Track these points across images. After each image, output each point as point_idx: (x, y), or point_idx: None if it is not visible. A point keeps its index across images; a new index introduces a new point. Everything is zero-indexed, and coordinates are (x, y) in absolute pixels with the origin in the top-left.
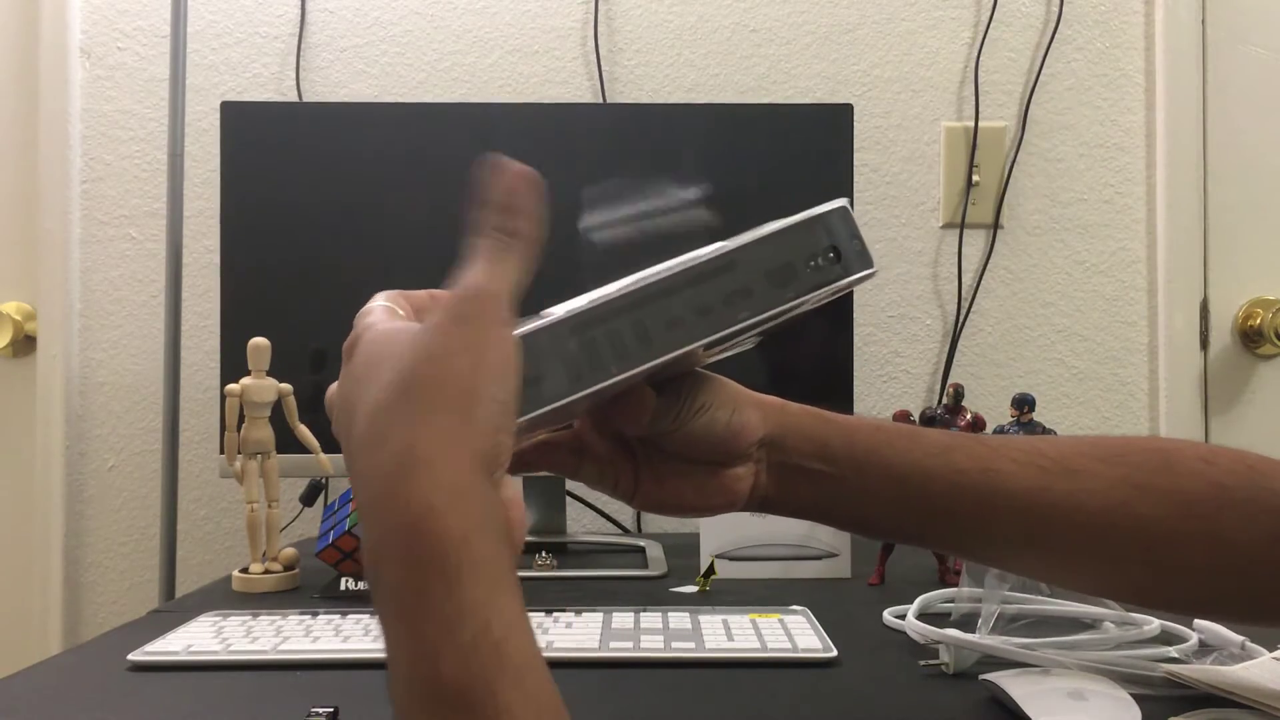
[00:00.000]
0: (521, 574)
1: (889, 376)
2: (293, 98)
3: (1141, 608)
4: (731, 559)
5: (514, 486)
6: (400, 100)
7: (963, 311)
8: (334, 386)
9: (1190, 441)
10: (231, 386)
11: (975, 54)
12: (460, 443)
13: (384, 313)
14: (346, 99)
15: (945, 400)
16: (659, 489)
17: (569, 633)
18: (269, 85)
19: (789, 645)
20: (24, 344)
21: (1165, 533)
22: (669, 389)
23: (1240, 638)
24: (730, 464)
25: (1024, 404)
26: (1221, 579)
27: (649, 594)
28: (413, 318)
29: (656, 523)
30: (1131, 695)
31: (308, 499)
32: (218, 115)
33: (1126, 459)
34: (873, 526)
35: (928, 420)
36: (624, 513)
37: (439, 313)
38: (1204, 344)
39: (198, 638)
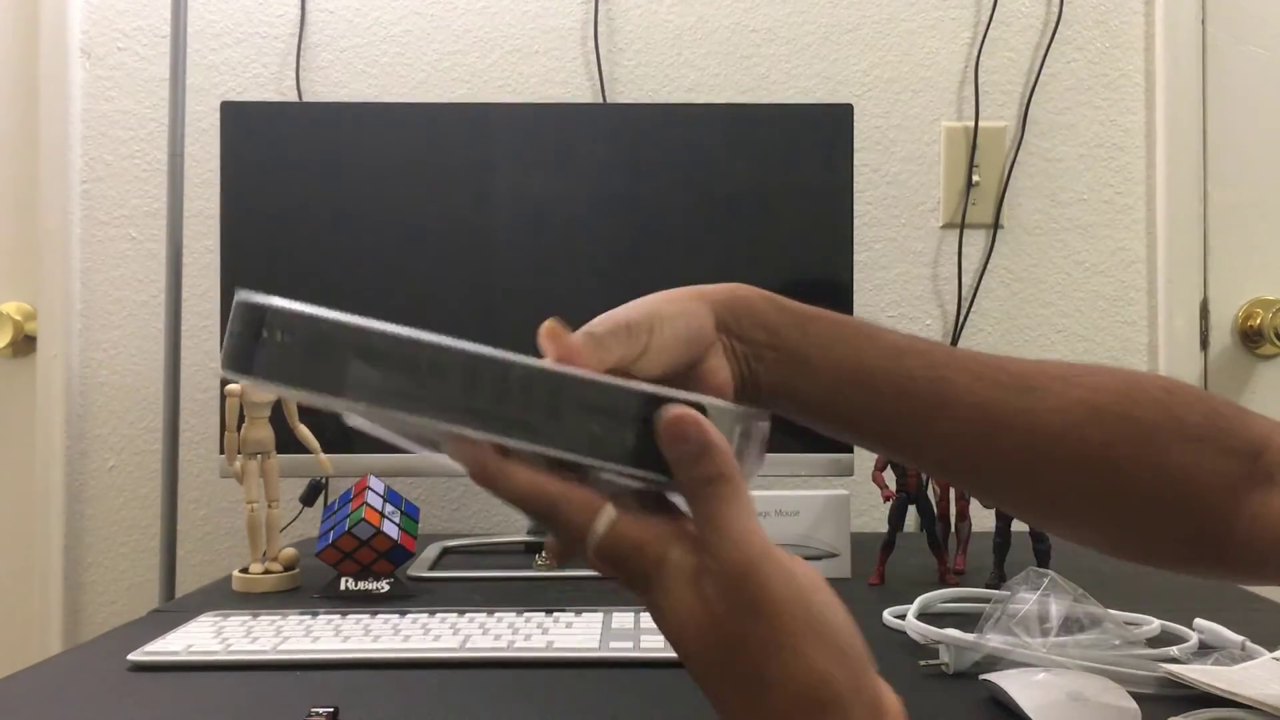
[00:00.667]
0: (522, 574)
1: None
2: (293, 98)
3: (1080, 543)
4: None
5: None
6: (400, 100)
7: (963, 311)
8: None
9: (1157, 375)
10: (231, 386)
11: (975, 54)
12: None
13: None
14: (346, 99)
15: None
16: None
17: (569, 633)
18: (269, 85)
19: None
20: (24, 344)
21: (1114, 458)
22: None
23: (1240, 638)
24: (700, 361)
25: None
26: (1165, 515)
27: None
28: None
29: None
30: (1131, 695)
31: (308, 499)
32: (218, 115)
33: (1086, 381)
34: (836, 422)
35: None
36: None
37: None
38: (1204, 344)
39: (198, 638)
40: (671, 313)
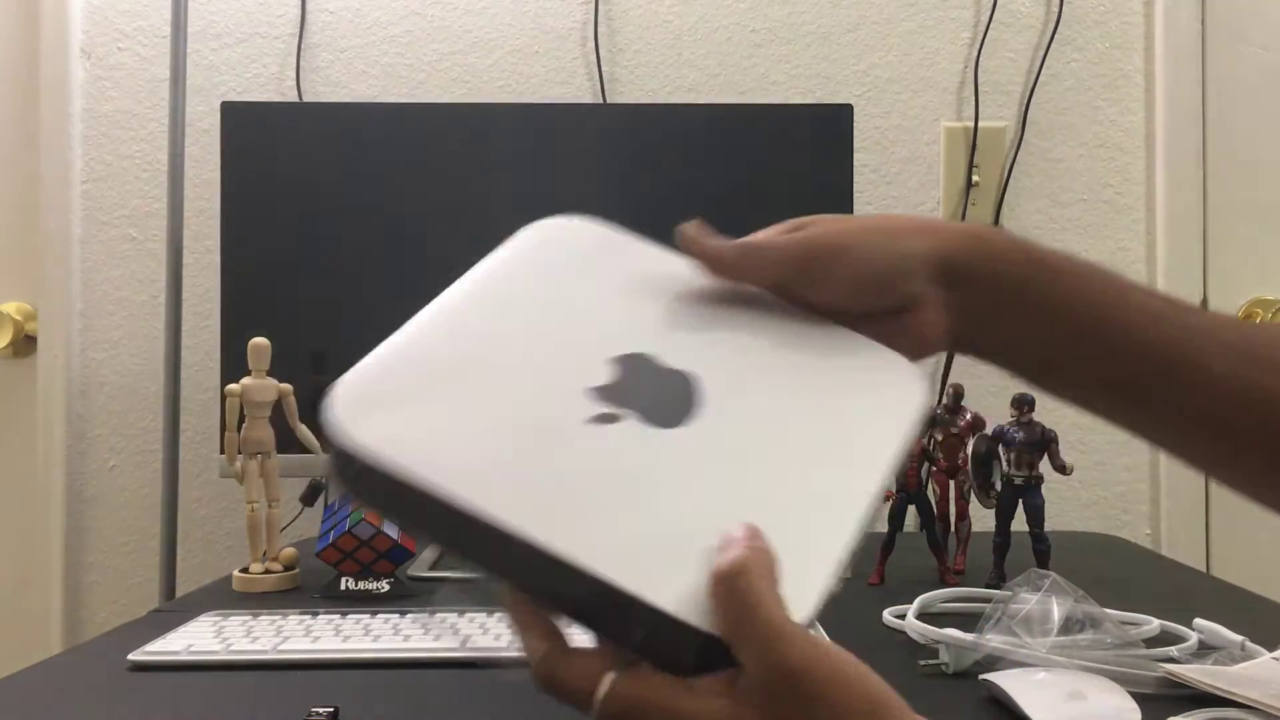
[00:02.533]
0: None
1: None
2: (293, 98)
3: None
4: None
5: None
6: (400, 100)
7: None
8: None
9: None
10: (232, 386)
11: (975, 54)
12: None
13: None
14: (347, 99)
15: (945, 400)
16: None
17: (569, 632)
18: (269, 85)
19: None
20: (24, 344)
21: None
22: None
23: (1240, 638)
24: (903, 309)
25: (1024, 404)
26: None
27: None
28: None
29: None
30: (1131, 695)
31: (308, 499)
32: (218, 115)
33: None
34: (1065, 386)
35: (929, 420)
36: None
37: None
38: None
39: (198, 637)
40: (865, 248)
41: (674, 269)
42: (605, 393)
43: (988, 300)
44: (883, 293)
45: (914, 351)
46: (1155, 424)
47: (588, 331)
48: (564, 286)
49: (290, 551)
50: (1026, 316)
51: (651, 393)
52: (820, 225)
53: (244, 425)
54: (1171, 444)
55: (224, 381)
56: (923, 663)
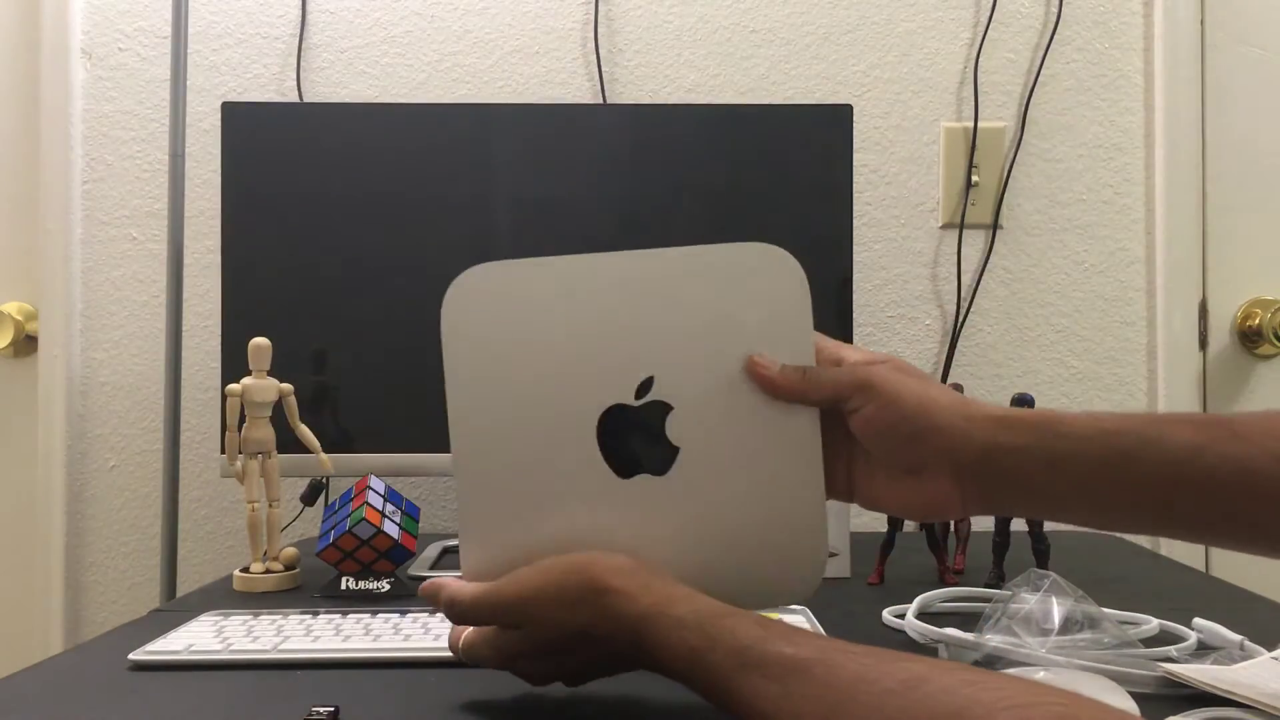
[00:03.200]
0: None
1: None
2: (293, 98)
3: None
4: None
5: None
6: (400, 100)
7: (962, 312)
8: None
9: None
10: (232, 386)
11: (975, 54)
12: None
13: None
14: (347, 99)
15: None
16: (870, 488)
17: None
18: (270, 86)
19: None
20: (25, 344)
21: None
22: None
23: (1239, 637)
24: (929, 473)
25: (1023, 404)
26: None
27: None
28: None
29: None
30: (1130, 695)
31: (308, 499)
32: (219, 116)
33: None
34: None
35: None
36: None
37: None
38: (1203, 344)
39: (198, 637)
40: (899, 404)
41: (599, 286)
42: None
43: (997, 502)
44: (903, 450)
45: (928, 508)
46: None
47: (577, 392)
48: (529, 359)
49: (291, 551)
50: (1038, 508)
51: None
52: (879, 368)
53: (244, 425)
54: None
55: (224, 381)
56: None
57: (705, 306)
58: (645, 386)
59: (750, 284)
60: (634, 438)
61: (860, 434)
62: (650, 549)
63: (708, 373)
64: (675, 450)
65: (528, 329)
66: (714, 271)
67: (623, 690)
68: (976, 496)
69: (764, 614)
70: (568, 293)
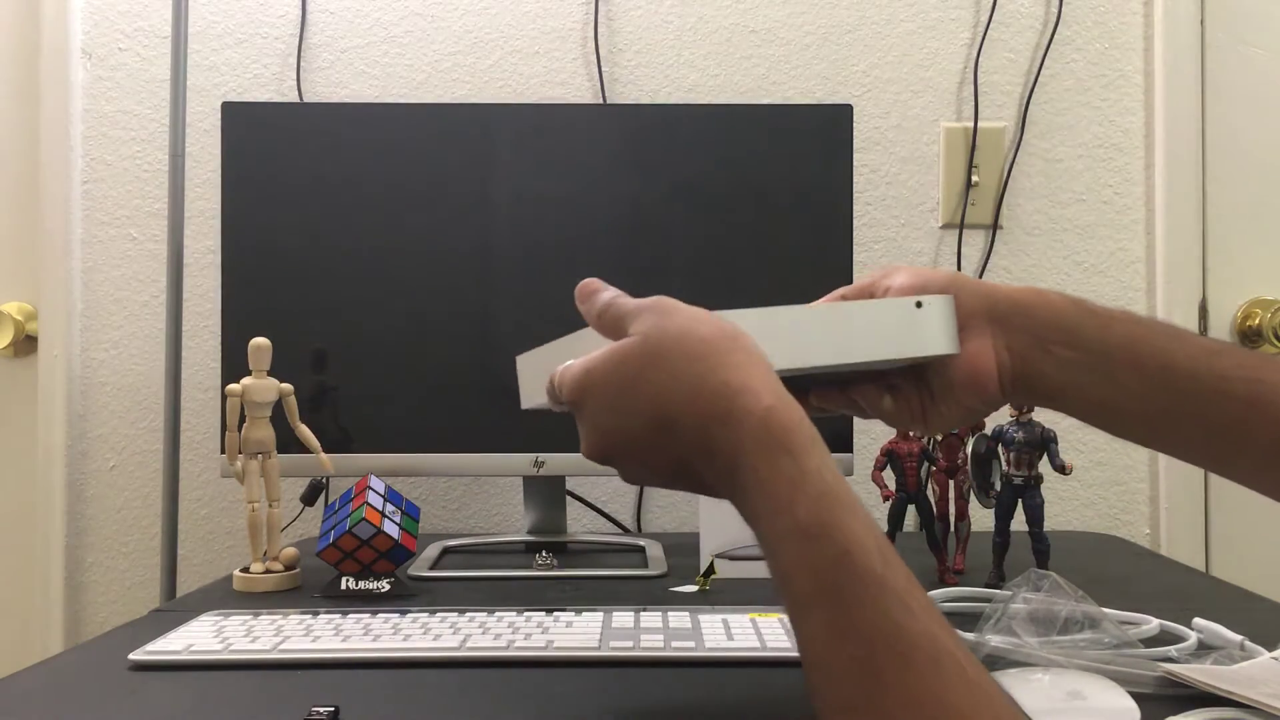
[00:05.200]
0: (522, 574)
1: None
2: (293, 98)
3: None
4: (731, 558)
5: None
6: (400, 100)
7: None
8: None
9: None
10: (232, 386)
11: (975, 55)
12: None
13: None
14: (347, 99)
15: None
16: (938, 407)
17: (569, 632)
18: (270, 86)
19: (789, 645)
20: (25, 344)
21: None
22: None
23: (1239, 637)
24: (966, 331)
25: (1023, 404)
26: None
27: (649, 593)
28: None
29: (657, 522)
30: (1130, 695)
31: (308, 499)
32: (219, 116)
33: None
34: (1119, 421)
35: None
36: (624, 512)
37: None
38: None
39: (198, 637)
40: (924, 281)
41: None
42: None
43: (1038, 346)
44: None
45: (971, 389)
46: (1243, 464)
47: None
48: None
49: (291, 551)
50: (1083, 362)
51: None
52: (900, 272)
53: (244, 425)
54: (1250, 478)
55: (224, 381)
56: None
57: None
58: None
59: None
60: None
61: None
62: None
63: None
64: None
65: None
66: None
67: (625, 692)
68: (1014, 352)
69: None
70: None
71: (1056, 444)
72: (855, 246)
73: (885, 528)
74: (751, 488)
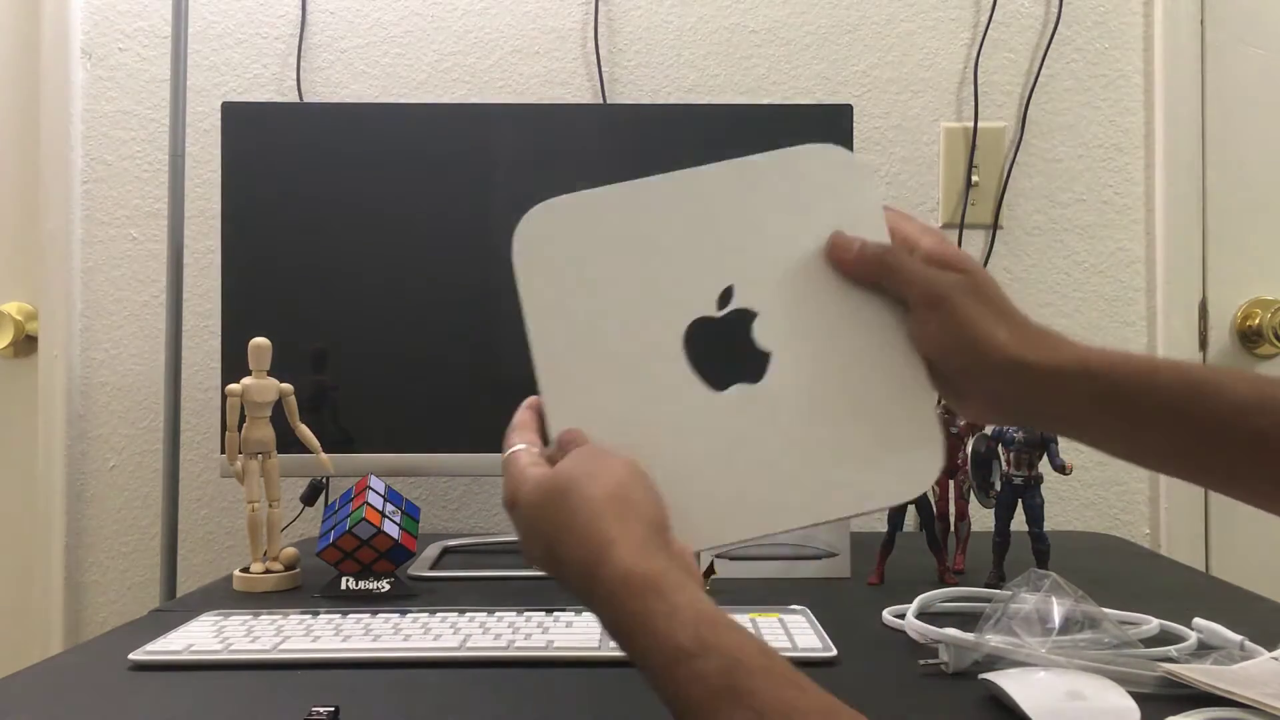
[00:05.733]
0: (522, 574)
1: None
2: (293, 98)
3: None
4: (731, 558)
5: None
6: (400, 100)
7: None
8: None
9: None
10: (232, 386)
11: (974, 55)
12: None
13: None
14: (347, 99)
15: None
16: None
17: (569, 632)
18: (270, 86)
19: (789, 645)
20: (25, 344)
21: None
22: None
23: (1239, 637)
24: (968, 391)
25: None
26: None
27: None
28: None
29: None
30: (1130, 695)
31: (308, 499)
32: (219, 116)
33: None
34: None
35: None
36: None
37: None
38: (1203, 344)
39: (198, 637)
40: (964, 321)
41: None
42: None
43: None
44: (950, 369)
45: (953, 403)
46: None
47: (666, 306)
48: (606, 283)
49: (291, 551)
50: (1065, 426)
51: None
52: (956, 285)
53: (244, 425)
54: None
55: (224, 381)
56: (923, 662)
57: (776, 211)
58: (726, 296)
59: (818, 184)
60: (723, 349)
61: (915, 335)
62: (756, 462)
63: (787, 272)
64: (767, 355)
65: (600, 257)
66: (777, 174)
67: (625, 692)
68: (1006, 419)
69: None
70: (634, 216)
71: (1056, 444)
72: None
73: (885, 528)
74: (635, 630)
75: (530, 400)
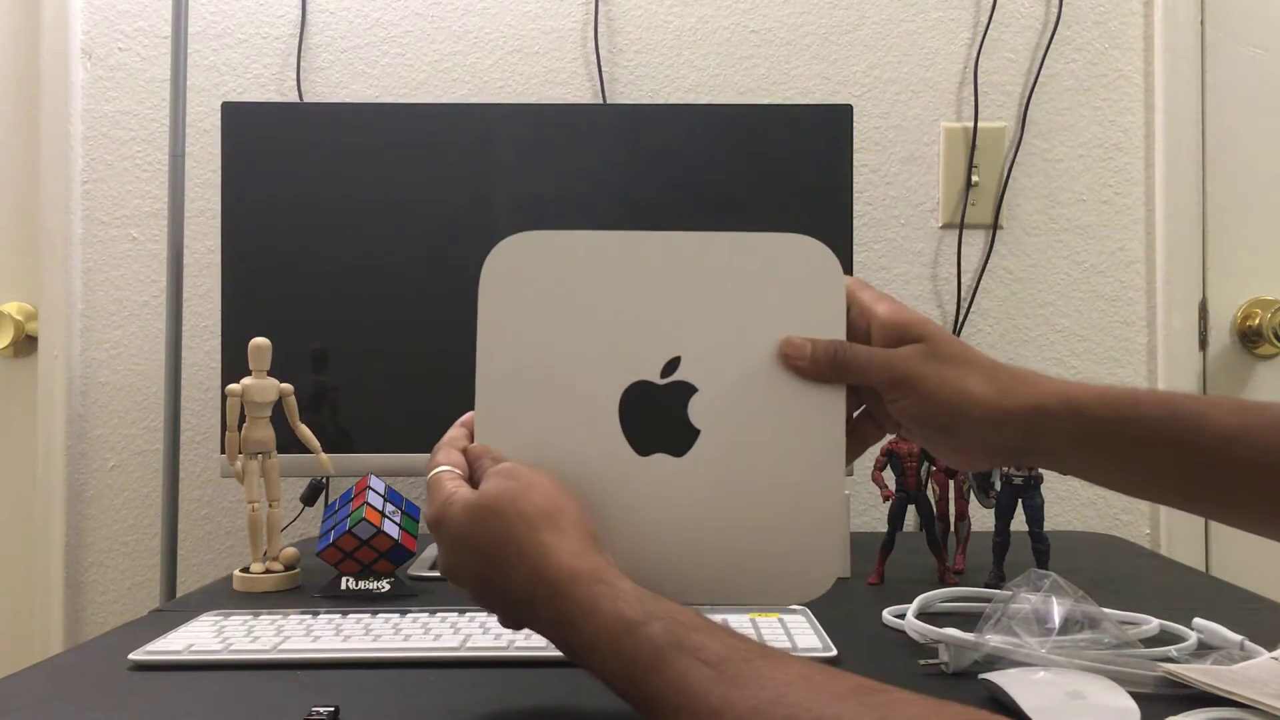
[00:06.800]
0: None
1: None
2: (293, 98)
3: None
4: None
5: None
6: (400, 100)
7: (962, 312)
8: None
9: None
10: (232, 386)
11: (974, 55)
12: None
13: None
14: (347, 99)
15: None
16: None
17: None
18: (270, 86)
19: (789, 645)
20: (25, 344)
21: None
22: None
23: (1239, 637)
24: (963, 445)
25: None
26: None
27: None
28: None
29: None
30: (1130, 695)
31: (308, 499)
32: (219, 116)
33: None
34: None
35: None
36: None
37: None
38: (1203, 344)
39: (198, 637)
40: (934, 395)
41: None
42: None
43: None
44: (935, 433)
45: (953, 460)
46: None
47: (615, 351)
48: (562, 324)
49: (291, 551)
50: (1087, 470)
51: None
52: (912, 359)
53: (244, 425)
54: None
55: (224, 381)
56: (922, 662)
57: (739, 292)
58: (671, 366)
59: (785, 274)
60: (656, 416)
61: (894, 416)
62: (661, 530)
63: (736, 358)
64: (696, 432)
65: (562, 298)
66: (750, 259)
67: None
68: (996, 463)
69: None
70: (605, 267)
71: None
72: (855, 247)
73: (886, 527)
74: (582, 615)
75: (465, 418)
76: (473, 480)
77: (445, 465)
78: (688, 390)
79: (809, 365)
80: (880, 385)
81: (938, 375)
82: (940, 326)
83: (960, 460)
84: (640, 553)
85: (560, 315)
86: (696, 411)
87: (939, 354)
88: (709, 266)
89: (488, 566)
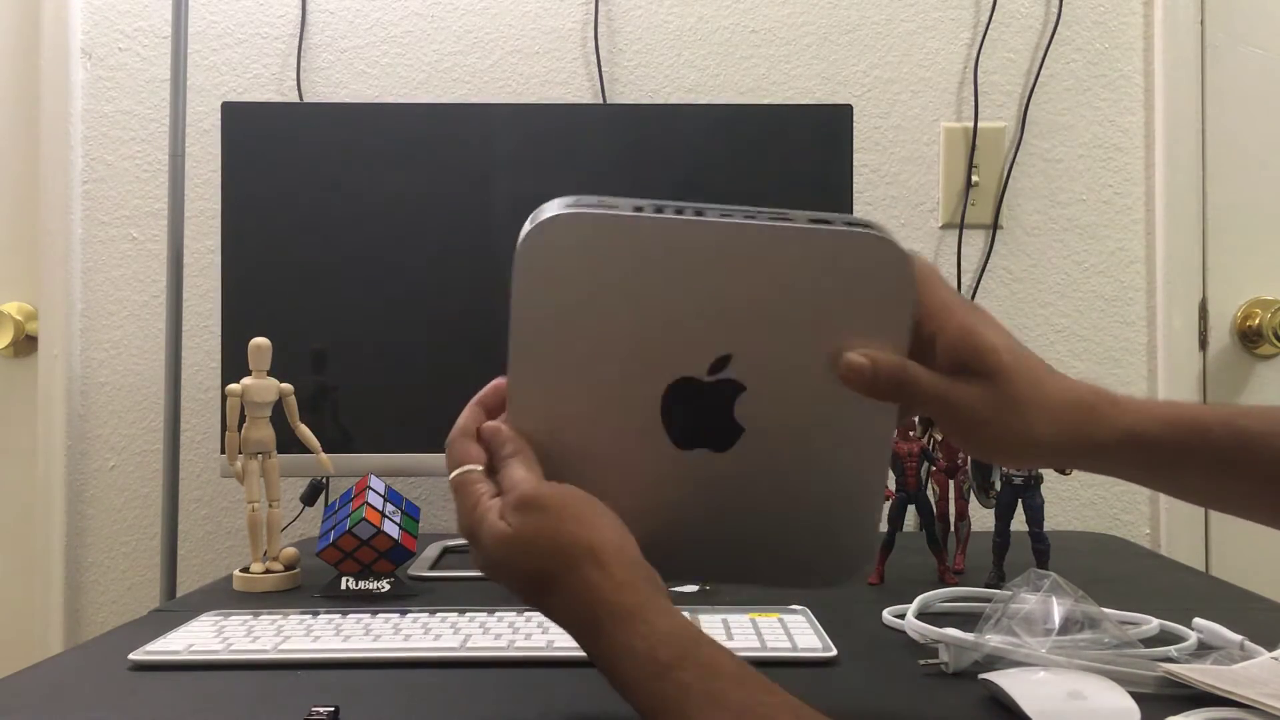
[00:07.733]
0: None
1: None
2: (293, 98)
3: None
4: None
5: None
6: (400, 100)
7: None
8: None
9: None
10: (232, 386)
11: (974, 55)
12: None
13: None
14: (347, 99)
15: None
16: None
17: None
18: (270, 86)
19: (789, 645)
20: (25, 344)
21: None
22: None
23: (1239, 637)
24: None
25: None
26: None
27: None
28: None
29: None
30: (1130, 695)
31: (308, 499)
32: (219, 116)
33: None
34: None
35: (927, 420)
36: None
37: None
38: (1203, 344)
39: (198, 637)
40: (997, 435)
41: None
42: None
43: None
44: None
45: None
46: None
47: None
48: (609, 309)
49: (291, 551)
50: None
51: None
52: (977, 391)
53: (244, 425)
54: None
55: (224, 381)
56: (922, 662)
57: (799, 291)
58: (721, 364)
59: (851, 275)
60: (699, 413)
61: (945, 435)
62: (694, 518)
63: (790, 360)
64: (740, 430)
65: (608, 285)
66: (815, 255)
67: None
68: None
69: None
70: (656, 253)
71: None
72: None
73: (885, 528)
74: (618, 654)
75: (478, 396)
76: (491, 468)
77: (467, 465)
78: (736, 389)
79: (869, 387)
80: (936, 418)
81: (1001, 422)
82: (1012, 349)
83: (997, 463)
84: (673, 538)
85: (606, 305)
86: (743, 410)
87: (1005, 397)
88: (771, 262)
89: (528, 593)
